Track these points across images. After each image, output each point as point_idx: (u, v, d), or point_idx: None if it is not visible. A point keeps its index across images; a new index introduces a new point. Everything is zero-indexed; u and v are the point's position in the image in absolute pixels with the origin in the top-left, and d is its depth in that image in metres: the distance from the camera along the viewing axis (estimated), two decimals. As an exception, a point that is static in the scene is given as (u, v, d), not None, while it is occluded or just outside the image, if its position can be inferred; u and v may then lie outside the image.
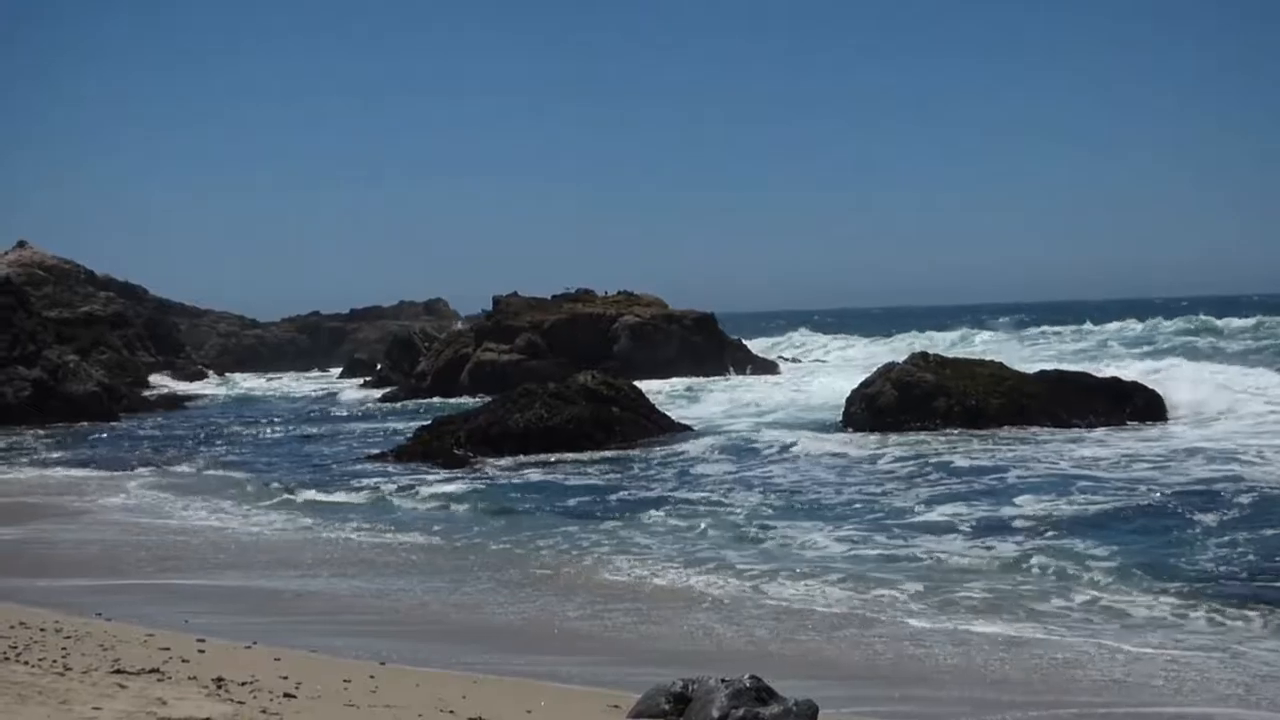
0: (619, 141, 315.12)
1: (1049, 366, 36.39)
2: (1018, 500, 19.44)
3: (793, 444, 27.70)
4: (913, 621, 12.93)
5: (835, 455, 26.18)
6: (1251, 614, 12.66)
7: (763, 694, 8.87)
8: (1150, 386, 31.81)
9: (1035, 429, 28.93)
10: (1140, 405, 30.72)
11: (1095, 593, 13.83)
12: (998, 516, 18.30)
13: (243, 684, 9.48)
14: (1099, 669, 11.07)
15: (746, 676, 8.96)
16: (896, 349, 55.09)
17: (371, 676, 10.40)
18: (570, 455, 27.50)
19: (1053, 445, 26.00)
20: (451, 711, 9.13)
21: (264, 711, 8.56)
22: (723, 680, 8.98)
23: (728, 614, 13.55)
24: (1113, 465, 22.88)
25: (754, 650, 11.99)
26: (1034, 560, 15.28)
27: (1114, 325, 67.48)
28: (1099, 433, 28.19)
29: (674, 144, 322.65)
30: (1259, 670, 10.95)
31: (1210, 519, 17.35)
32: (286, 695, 9.24)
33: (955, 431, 28.90)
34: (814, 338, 75.17)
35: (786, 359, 60.47)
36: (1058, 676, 10.91)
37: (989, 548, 16.21)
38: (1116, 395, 31.20)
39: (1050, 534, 16.86)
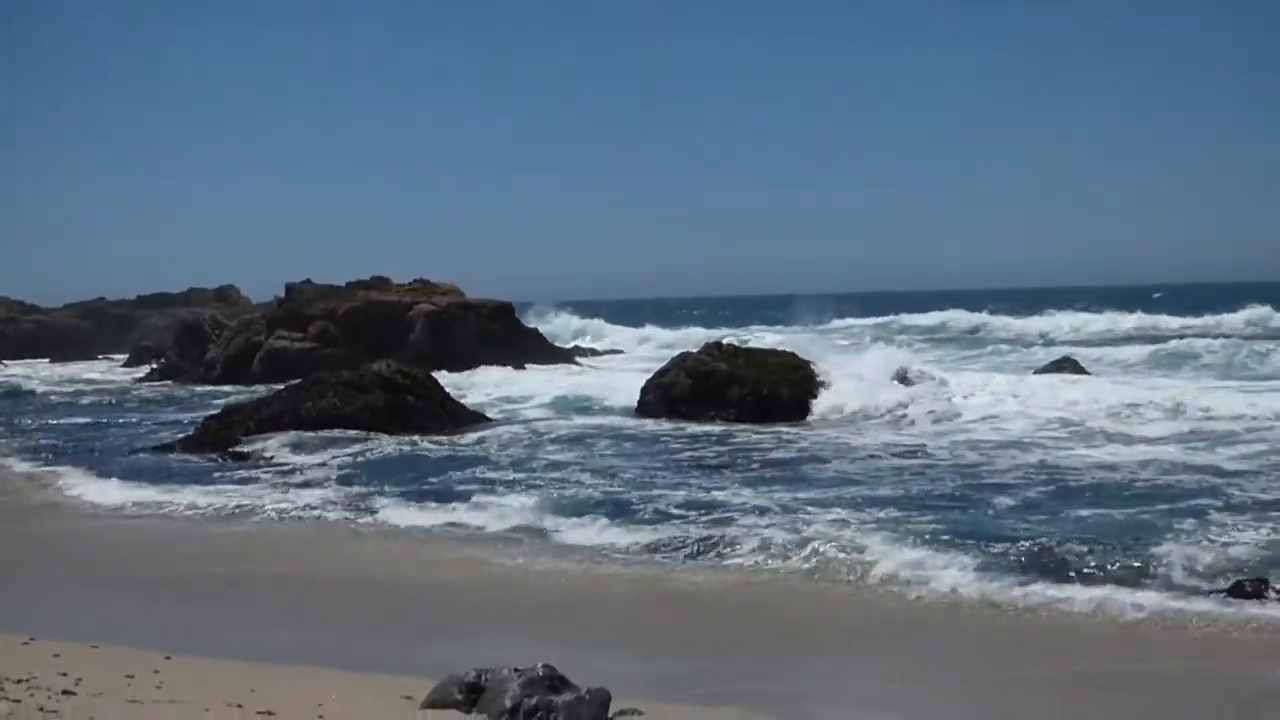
0: (415, 125, 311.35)
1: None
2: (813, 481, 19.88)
3: (587, 430, 27.90)
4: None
5: (632, 439, 26.53)
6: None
7: (555, 682, 8.92)
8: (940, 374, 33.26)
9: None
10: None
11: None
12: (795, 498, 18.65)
13: (19, 681, 9.16)
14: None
15: (540, 665, 9.00)
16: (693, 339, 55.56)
17: (156, 671, 10.14)
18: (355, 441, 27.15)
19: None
20: (240, 705, 8.96)
21: (41, 710, 8.29)
22: (515, 669, 9.00)
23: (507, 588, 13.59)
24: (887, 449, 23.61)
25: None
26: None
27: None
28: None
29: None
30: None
31: (1005, 499, 17.97)
32: (66, 692, 8.96)
33: (747, 420, 29.41)
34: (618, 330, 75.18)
35: (592, 350, 60.63)
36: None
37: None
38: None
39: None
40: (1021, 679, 10.76)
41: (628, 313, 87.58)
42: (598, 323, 73.83)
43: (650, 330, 74.06)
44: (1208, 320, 64.62)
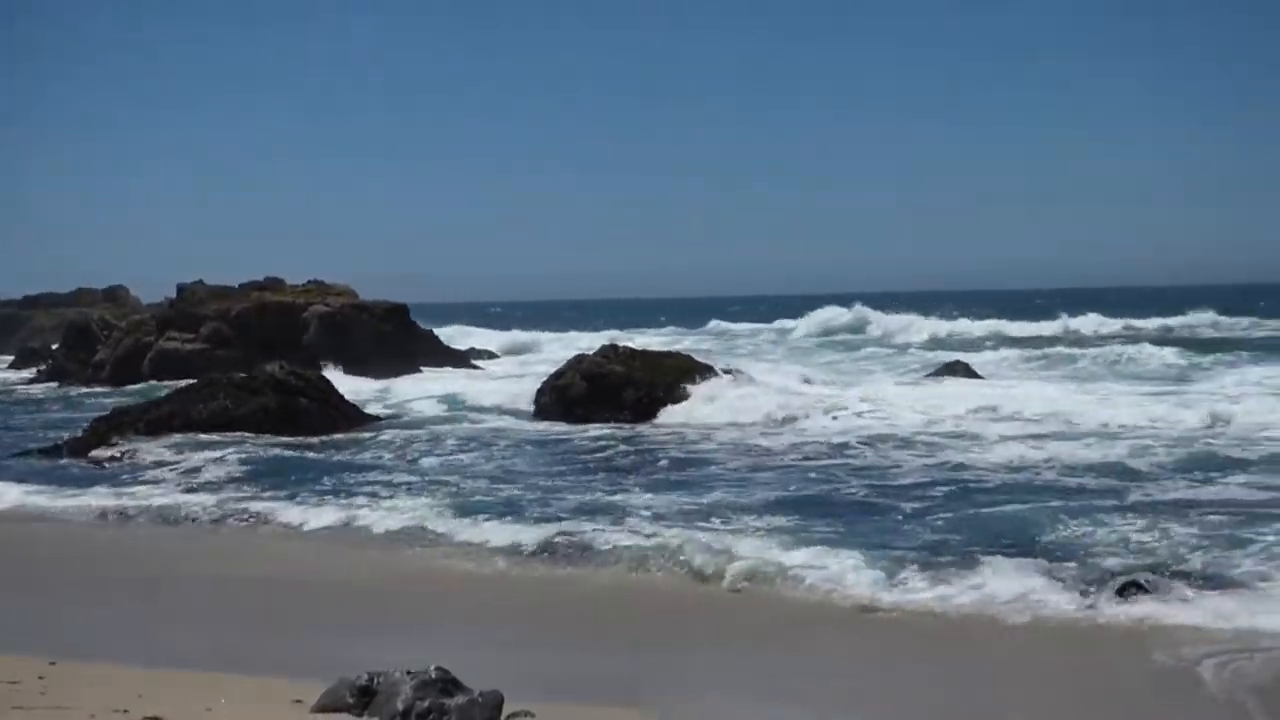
0: (315, 124, 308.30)
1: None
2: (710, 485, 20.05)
3: (480, 432, 27.93)
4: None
5: (526, 441, 26.63)
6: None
7: (448, 685, 8.93)
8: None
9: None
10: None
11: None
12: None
13: (-103, 688, 9.02)
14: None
15: (432, 668, 9.01)
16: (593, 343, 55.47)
17: (41, 677, 10.00)
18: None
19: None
20: (125, 710, 8.87)
21: (-79, 717, 8.18)
22: (408, 672, 9.00)
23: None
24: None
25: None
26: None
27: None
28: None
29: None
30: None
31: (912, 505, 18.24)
32: (-53, 699, 8.84)
33: (642, 422, 29.57)
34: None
35: (489, 353, 60.35)
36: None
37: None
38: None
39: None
40: (903, 675, 10.98)
41: (548, 315, 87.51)
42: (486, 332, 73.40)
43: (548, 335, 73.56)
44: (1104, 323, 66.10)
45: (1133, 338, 57.53)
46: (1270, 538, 14.92)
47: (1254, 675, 10.45)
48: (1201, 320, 67.98)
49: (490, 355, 60.07)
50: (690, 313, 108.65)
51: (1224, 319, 68.99)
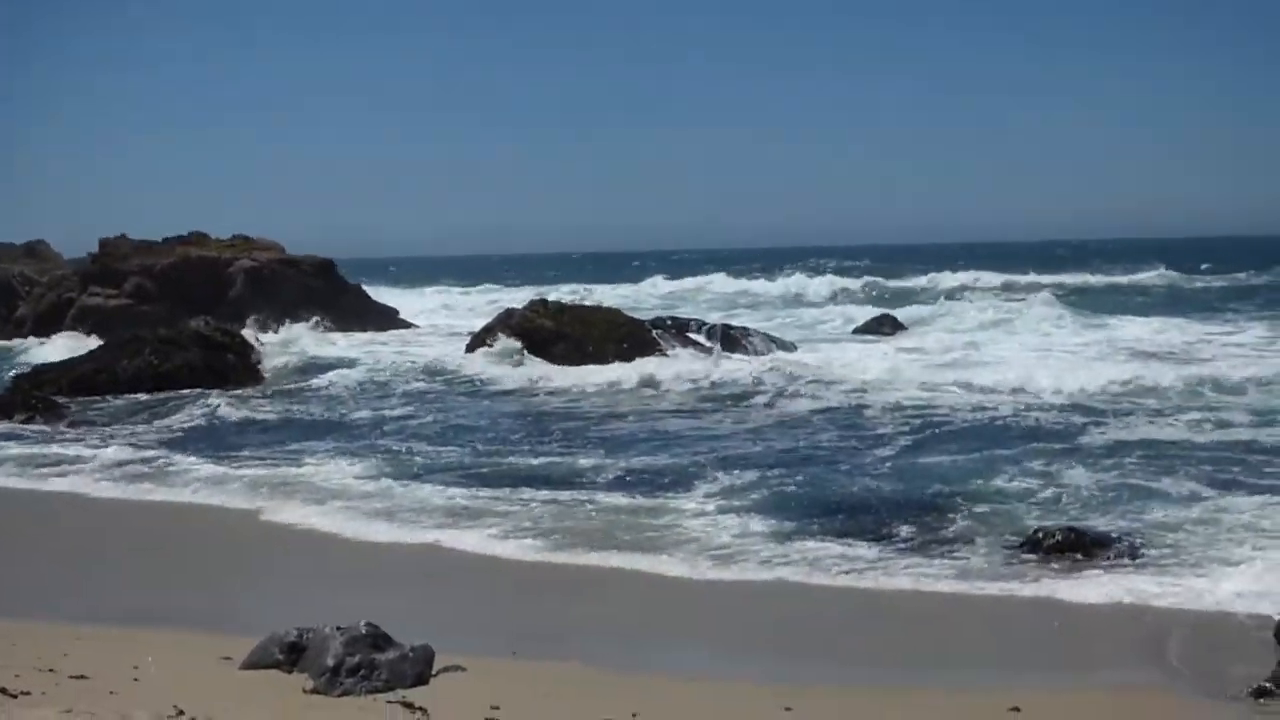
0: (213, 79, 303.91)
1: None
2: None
3: (409, 389, 27.81)
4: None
5: (458, 396, 26.53)
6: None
7: (379, 640, 8.90)
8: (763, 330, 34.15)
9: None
10: (756, 344, 32.92)
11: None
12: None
13: None
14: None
15: (362, 623, 8.98)
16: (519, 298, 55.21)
17: (-37, 637, 9.87)
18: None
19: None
20: (52, 670, 8.76)
21: None
22: (338, 628, 8.96)
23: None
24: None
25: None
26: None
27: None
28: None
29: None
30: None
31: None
32: None
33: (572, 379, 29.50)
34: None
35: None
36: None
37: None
38: (728, 337, 33.04)
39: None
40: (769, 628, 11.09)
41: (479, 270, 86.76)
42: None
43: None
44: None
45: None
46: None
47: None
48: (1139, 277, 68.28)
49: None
50: (613, 268, 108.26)
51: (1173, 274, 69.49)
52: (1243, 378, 24.49)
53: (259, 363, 30.75)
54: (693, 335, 33.16)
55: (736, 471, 17.34)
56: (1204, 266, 75.92)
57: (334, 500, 16.41)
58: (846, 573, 12.56)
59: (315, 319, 44.83)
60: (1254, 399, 22.43)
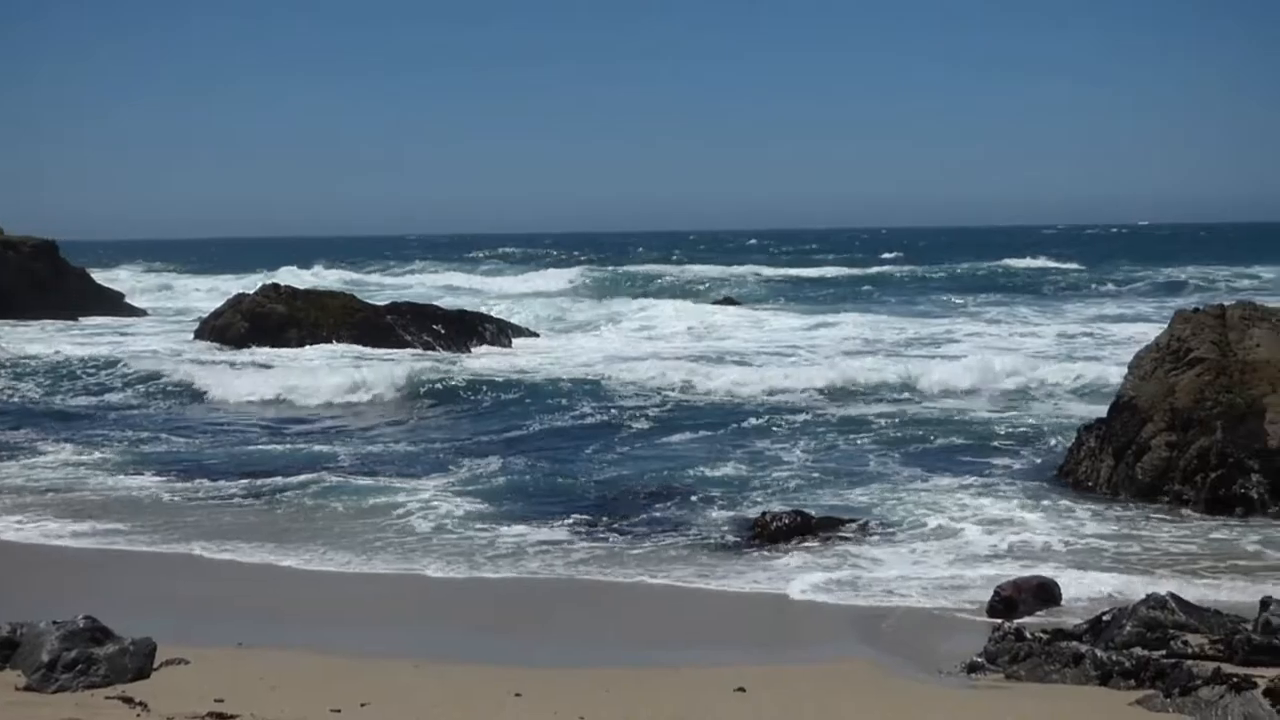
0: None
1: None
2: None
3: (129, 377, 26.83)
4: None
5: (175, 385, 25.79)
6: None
7: (98, 634, 8.65)
8: (499, 317, 34.30)
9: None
10: (492, 331, 32.76)
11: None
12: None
13: None
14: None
15: (80, 617, 8.71)
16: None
17: None
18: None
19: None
20: None
21: None
22: (54, 622, 8.66)
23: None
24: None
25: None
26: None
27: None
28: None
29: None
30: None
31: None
32: None
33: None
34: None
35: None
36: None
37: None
38: (465, 324, 32.87)
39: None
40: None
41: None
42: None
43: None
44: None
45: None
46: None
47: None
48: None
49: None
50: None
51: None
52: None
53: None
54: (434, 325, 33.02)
55: (457, 460, 17.66)
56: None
57: (39, 492, 15.98)
58: (579, 561, 12.75)
59: (36, 305, 42.95)
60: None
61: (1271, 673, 7.74)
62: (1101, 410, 16.77)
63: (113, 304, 48.27)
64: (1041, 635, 9.32)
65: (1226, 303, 16.86)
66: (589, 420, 21.11)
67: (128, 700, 7.90)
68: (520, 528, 13.89)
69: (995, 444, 18.13)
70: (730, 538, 13.43)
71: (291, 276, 56.60)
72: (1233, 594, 10.95)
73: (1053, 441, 17.92)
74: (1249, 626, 8.82)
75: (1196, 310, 16.54)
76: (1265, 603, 8.88)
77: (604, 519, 14.26)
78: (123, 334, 36.78)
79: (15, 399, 24.35)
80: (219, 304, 34.89)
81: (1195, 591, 10.66)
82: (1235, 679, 7.65)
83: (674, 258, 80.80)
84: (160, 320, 43.36)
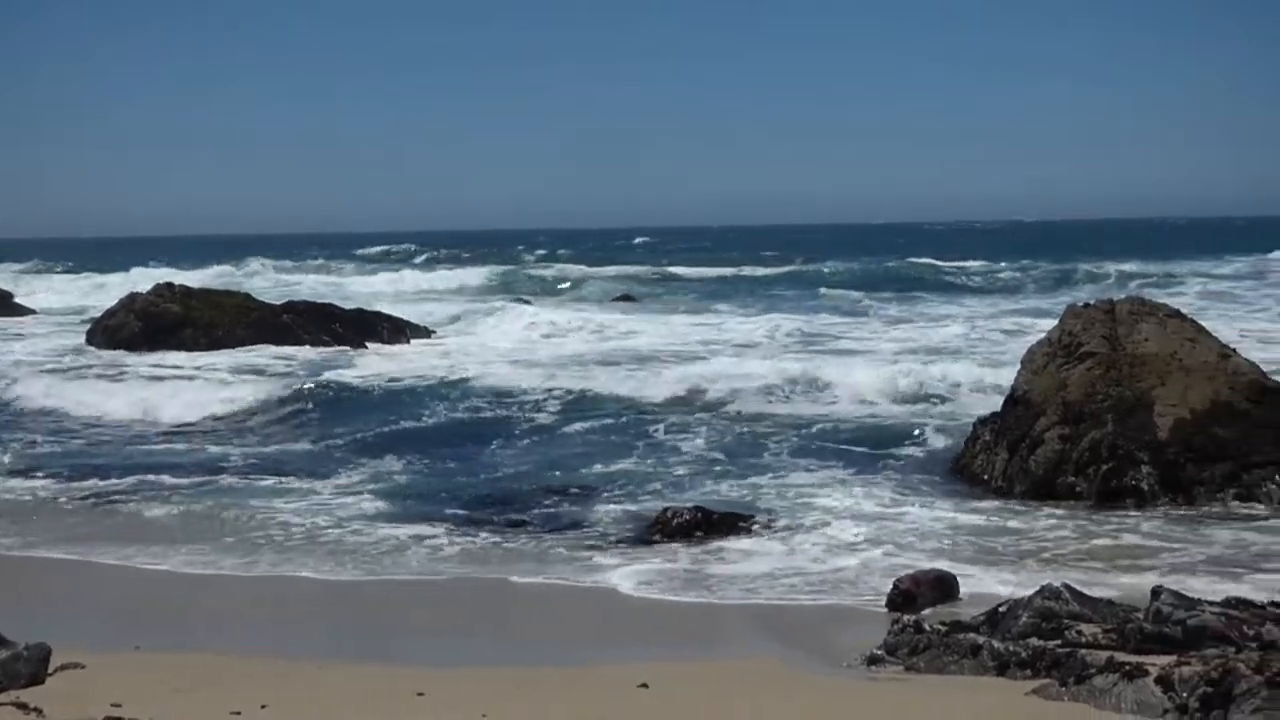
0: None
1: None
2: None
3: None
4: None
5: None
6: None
7: (-11, 639, 8.50)
8: (399, 316, 34.54)
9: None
10: (389, 330, 32.79)
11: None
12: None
13: None
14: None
15: (-30, 622, 8.55)
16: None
17: None
18: None
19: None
20: None
21: None
22: (-56, 628, 8.50)
23: None
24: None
25: None
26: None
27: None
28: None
29: None
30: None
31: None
32: None
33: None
34: None
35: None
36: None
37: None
38: (363, 323, 32.78)
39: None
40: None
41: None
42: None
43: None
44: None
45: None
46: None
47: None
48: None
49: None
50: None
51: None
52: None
53: None
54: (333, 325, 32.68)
55: (353, 460, 17.69)
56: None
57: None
58: (480, 560, 12.76)
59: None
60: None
61: (1163, 660, 7.89)
62: (999, 404, 16.99)
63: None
64: (940, 627, 9.42)
65: (1115, 297, 17.21)
66: (485, 416, 20.97)
67: (22, 706, 7.76)
68: (420, 526, 13.84)
69: (893, 439, 18.29)
70: (631, 534, 13.46)
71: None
72: (1125, 584, 11.16)
73: (950, 439, 18.09)
74: (1140, 616, 8.98)
75: (1087, 305, 16.86)
76: (1156, 592, 9.05)
77: (504, 516, 14.24)
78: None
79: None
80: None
81: (1089, 581, 10.85)
82: (1128, 667, 7.80)
83: (595, 257, 79.79)
84: (43, 320, 42.16)
